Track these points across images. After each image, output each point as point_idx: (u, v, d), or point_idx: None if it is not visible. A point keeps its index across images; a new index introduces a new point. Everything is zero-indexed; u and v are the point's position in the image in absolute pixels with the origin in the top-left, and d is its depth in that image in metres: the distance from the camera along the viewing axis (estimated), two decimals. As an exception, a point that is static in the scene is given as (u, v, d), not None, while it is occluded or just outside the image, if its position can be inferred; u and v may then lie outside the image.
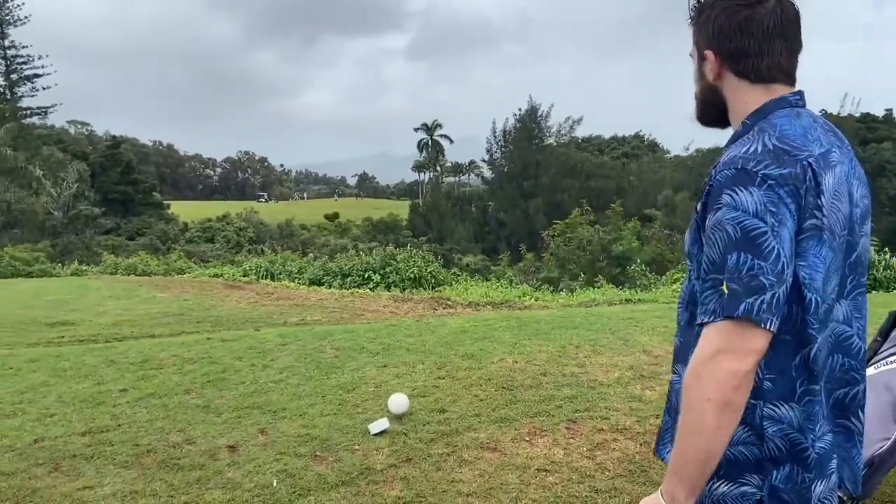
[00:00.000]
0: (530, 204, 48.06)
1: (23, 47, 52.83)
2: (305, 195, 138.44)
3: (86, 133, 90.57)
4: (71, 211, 43.86)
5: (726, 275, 1.21)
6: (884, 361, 3.06)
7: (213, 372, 5.68)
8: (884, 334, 3.28)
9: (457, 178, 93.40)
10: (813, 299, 1.26)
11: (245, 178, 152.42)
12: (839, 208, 1.30)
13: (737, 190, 1.22)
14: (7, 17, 50.97)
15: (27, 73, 53.23)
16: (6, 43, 51.99)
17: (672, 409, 1.51)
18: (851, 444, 1.43)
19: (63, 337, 8.70)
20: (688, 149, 54.25)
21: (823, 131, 1.35)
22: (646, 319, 7.28)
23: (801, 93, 1.39)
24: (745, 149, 1.27)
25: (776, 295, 1.20)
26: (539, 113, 52.77)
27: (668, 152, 66.88)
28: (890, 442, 2.71)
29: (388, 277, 15.51)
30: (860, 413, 1.43)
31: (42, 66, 53.35)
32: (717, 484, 1.34)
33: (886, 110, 63.13)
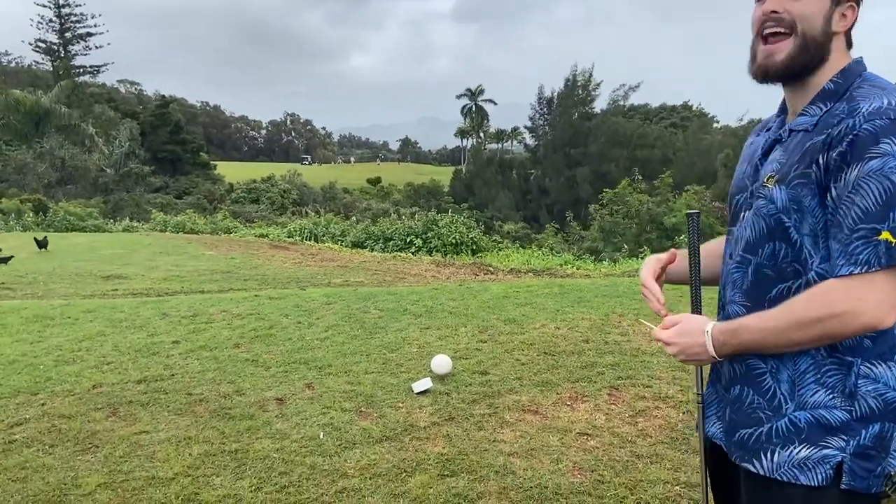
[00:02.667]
0: (577, 172, 47.40)
1: (76, 6, 53.90)
2: (352, 159, 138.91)
3: (135, 92, 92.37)
4: (122, 169, 44.92)
5: (893, 223, 1.18)
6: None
7: (260, 328, 5.84)
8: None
9: (499, 145, 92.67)
10: None
11: (289, 140, 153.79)
12: None
13: (895, 139, 1.19)
14: (62, -24, 51.93)
15: (80, 31, 54.38)
16: (61, 1, 53.02)
17: (721, 382, 1.50)
18: None
19: (117, 290, 9.02)
20: (742, 119, 52.50)
21: None
22: (691, 291, 7.19)
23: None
24: (885, 101, 1.24)
25: None
26: (586, 80, 51.68)
27: (717, 122, 65.02)
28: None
29: (430, 242, 15.60)
30: None
31: (95, 25, 54.60)
32: (798, 448, 1.32)
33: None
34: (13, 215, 24.15)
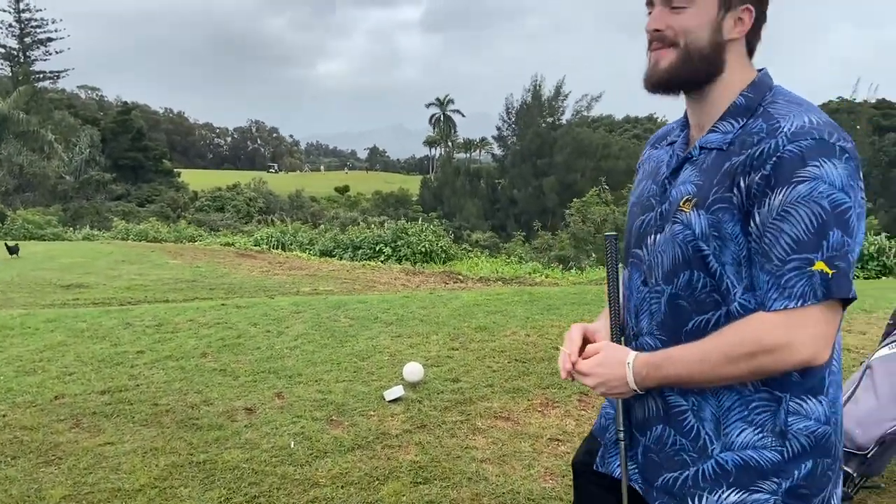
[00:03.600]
0: (543, 182, 47.87)
1: (37, 10, 52.77)
2: (322, 168, 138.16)
3: (96, 98, 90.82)
4: (82, 176, 44.00)
5: (828, 253, 1.10)
6: (898, 343, 3.08)
7: (228, 337, 5.76)
8: (896, 317, 3.30)
9: (467, 155, 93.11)
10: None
11: (255, 148, 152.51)
12: None
13: (822, 162, 1.10)
14: (22, -20, 50.82)
15: (40, 36, 53.20)
16: (21, 6, 51.88)
17: (633, 420, 1.40)
18: None
19: (78, 299, 8.81)
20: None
21: None
22: (657, 298, 7.31)
23: None
24: (804, 119, 1.15)
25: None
26: (554, 91, 52.27)
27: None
28: (902, 422, 2.74)
29: (400, 251, 15.58)
30: None
31: (55, 31, 53.33)
32: (728, 493, 1.22)
33: (903, 96, 62.11)
34: (-32, 223, 23.48)
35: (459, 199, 51.85)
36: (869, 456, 2.73)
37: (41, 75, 54.03)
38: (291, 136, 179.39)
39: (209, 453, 3.47)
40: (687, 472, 1.28)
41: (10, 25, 52.15)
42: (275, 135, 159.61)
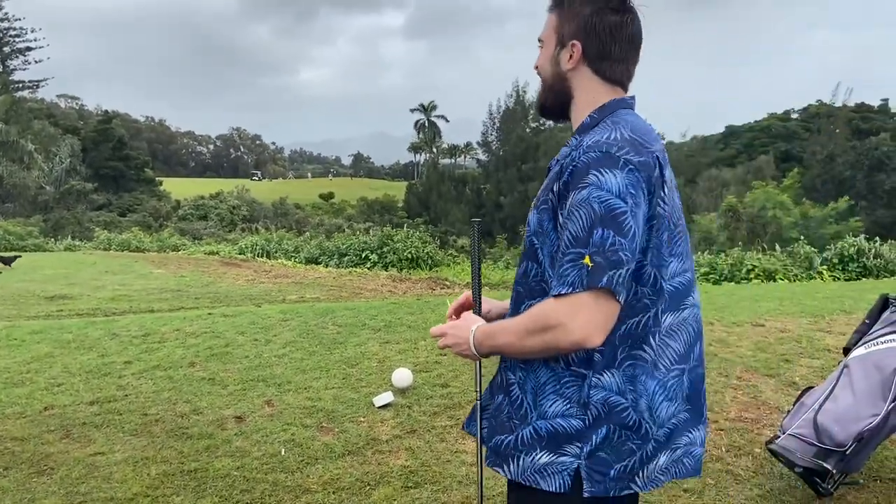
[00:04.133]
0: (529, 187, 48.04)
1: (16, 20, 52.25)
2: (309, 174, 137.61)
3: (76, 107, 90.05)
4: (63, 186, 43.60)
5: (591, 248, 1.27)
6: (874, 342, 3.17)
7: (216, 346, 5.77)
8: (873, 316, 3.38)
9: (452, 160, 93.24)
10: (651, 273, 1.37)
11: (238, 155, 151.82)
12: (675, 198, 1.43)
13: (602, 171, 1.29)
14: (0, -11, 50.29)
15: (20, 46, 52.67)
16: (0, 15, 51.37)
17: (490, 390, 1.59)
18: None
19: (62, 311, 8.76)
20: (685, 135, 54.34)
21: (654, 132, 1.47)
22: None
23: (634, 97, 1.51)
24: (605, 135, 1.35)
25: (630, 270, 1.30)
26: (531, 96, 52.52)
27: (663, 138, 66.79)
28: (878, 418, 2.82)
29: (386, 257, 15.61)
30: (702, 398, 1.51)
31: (35, 40, 52.82)
32: (540, 455, 1.40)
33: (882, 100, 63.25)
34: (-52, 235, 23.20)
35: (445, 205, 51.88)
36: (847, 452, 2.80)
37: (20, 85, 53.48)
38: (274, 143, 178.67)
39: (200, 462, 3.49)
40: (511, 437, 1.46)
41: (-11, 35, 51.62)
42: (258, 142, 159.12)
